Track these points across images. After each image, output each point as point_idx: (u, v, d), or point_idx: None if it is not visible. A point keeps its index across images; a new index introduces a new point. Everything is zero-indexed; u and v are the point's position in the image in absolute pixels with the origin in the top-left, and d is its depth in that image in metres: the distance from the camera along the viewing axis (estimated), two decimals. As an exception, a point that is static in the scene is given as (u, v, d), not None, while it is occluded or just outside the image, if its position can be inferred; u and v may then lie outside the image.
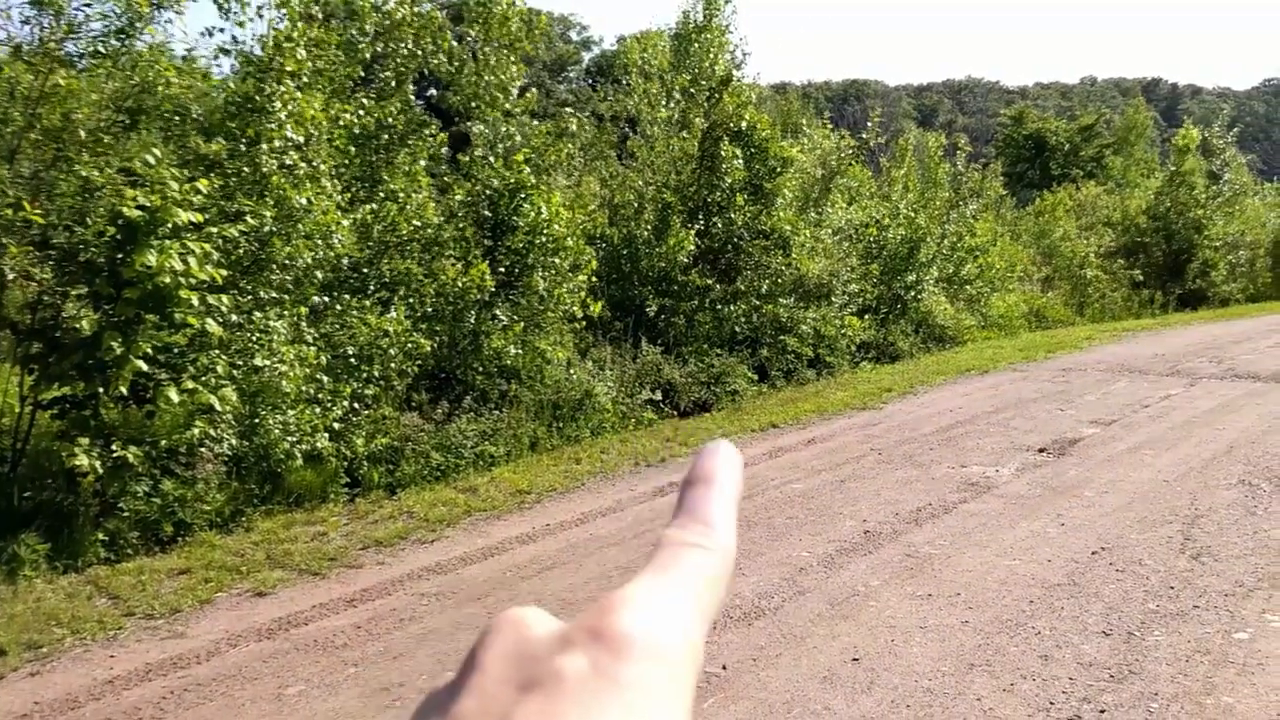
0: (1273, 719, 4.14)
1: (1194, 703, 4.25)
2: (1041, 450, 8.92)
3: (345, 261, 8.80)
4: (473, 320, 9.57)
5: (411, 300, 9.26)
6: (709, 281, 12.62)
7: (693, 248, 12.33)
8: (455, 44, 9.91)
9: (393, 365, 8.62)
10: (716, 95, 12.87)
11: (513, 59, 10.06)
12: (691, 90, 13.03)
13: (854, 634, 5.03)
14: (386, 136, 9.11)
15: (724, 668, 4.69)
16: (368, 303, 8.80)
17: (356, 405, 8.44)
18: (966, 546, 6.34)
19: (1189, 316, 21.77)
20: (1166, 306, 22.89)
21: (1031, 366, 14.32)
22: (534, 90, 10.54)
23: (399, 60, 9.13)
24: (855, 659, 4.71)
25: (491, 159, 10.04)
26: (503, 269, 9.95)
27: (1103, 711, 4.18)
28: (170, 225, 6.58)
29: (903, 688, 4.40)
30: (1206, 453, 8.63)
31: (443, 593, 5.89)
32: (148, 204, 6.54)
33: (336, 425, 8.10)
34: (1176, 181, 24.40)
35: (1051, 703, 4.26)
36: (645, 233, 12.41)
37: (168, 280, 6.55)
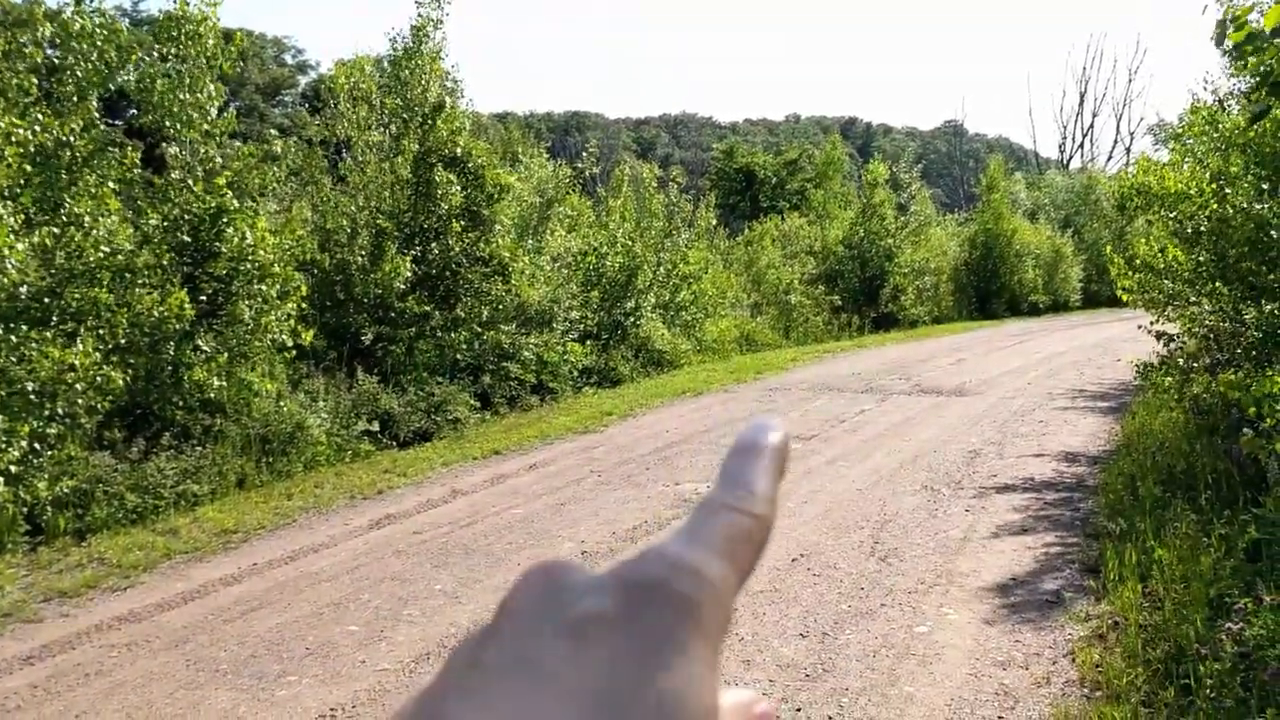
0: (949, 703, 4.50)
1: (880, 695, 4.56)
2: (749, 466, 9.33)
3: (24, 290, 8.09)
4: (172, 352, 9.02)
5: (102, 331, 8.61)
6: (428, 308, 12.48)
7: (409, 274, 12.16)
8: (145, 59, 9.35)
9: (80, 401, 7.98)
10: (429, 121, 12.78)
11: (210, 78, 9.59)
12: (404, 116, 12.88)
13: (568, 654, 5.06)
14: (69, 155, 8.46)
15: (437, 698, 4.62)
16: (49, 334, 8.11)
17: (37, 446, 7.75)
18: (678, 561, 6.54)
19: (882, 338, 23.46)
20: (862, 329, 24.58)
21: (741, 387, 15.00)
22: (232, 110, 10.09)
23: (80, 74, 8.51)
24: (569, 678, 4.75)
25: (191, 182, 9.52)
26: (205, 297, 9.44)
27: (799, 710, 4.41)
28: None
29: (614, 703, 4.48)
30: (894, 462, 9.32)
31: (135, 642, 5.49)
32: None
33: (13, 468, 7.40)
34: (869, 213, 26.34)
35: (753, 705, 4.45)
36: (359, 259, 12.13)
37: None
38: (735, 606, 0.34)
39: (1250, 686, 4.05)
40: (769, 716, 0.37)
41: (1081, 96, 60.83)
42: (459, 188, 12.69)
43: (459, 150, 12.81)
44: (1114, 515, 6.91)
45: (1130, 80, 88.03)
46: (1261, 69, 4.37)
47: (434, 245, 12.83)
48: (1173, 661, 4.53)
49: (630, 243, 17.24)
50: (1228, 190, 8.07)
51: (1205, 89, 10.09)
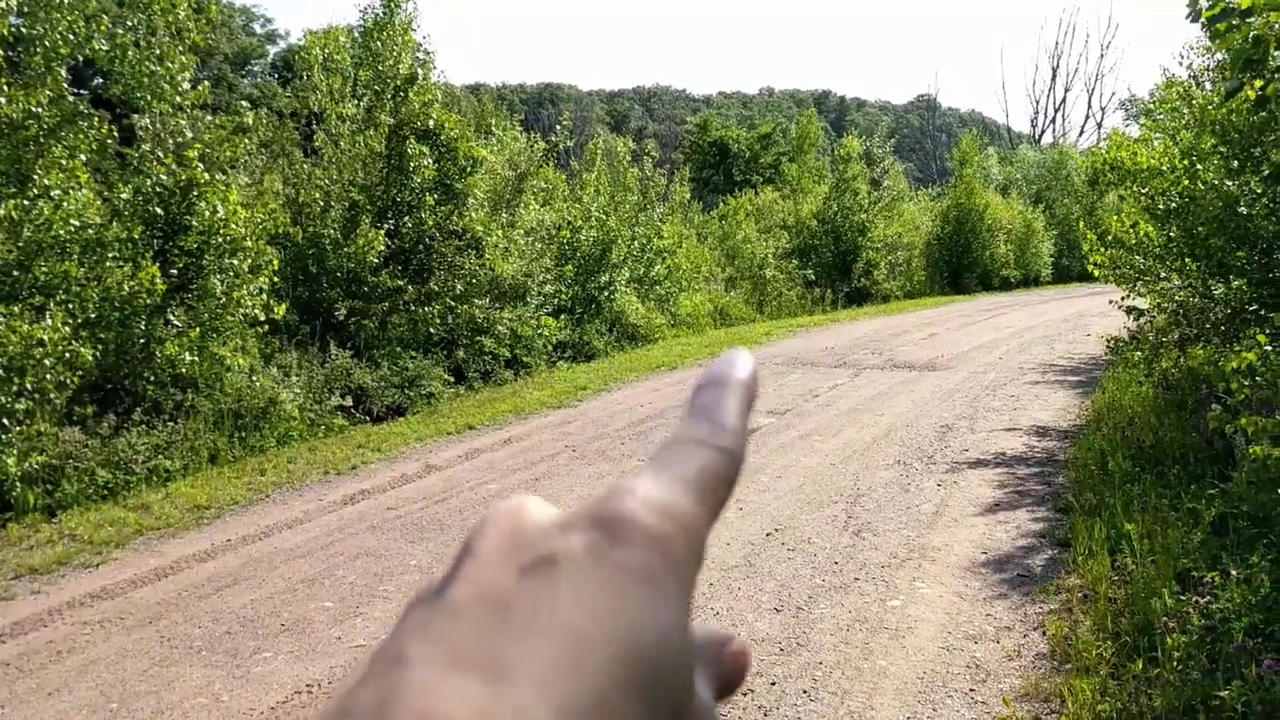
0: (921, 676, 4.55)
1: (854, 668, 4.61)
2: (724, 441, 9.36)
3: (-9, 264, 7.99)
4: (143, 326, 8.94)
5: (71, 305, 8.52)
6: (401, 282, 12.41)
7: (383, 248, 12.08)
8: (117, 30, 9.20)
9: (49, 377, 7.90)
10: (402, 93, 12.67)
11: (181, 48, 9.45)
12: (377, 88, 12.76)
13: (544, 629, 5.09)
14: (36, 127, 8.33)
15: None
16: (17, 308, 8.02)
17: (6, 421, 7.68)
18: (653, 536, 6.56)
19: (855, 312, 23.55)
20: (836, 303, 24.66)
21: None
22: (206, 83, 9.96)
23: (48, 45, 8.36)
24: (545, 653, 4.78)
25: (161, 154, 9.41)
26: (176, 271, 9.35)
27: (774, 683, 4.45)
28: None
29: (590, 677, 4.50)
30: (868, 436, 9.38)
31: (108, 619, 5.46)
32: None
33: (-18, 444, 7.33)
34: (842, 188, 26.37)
35: (728, 679, 4.48)
36: (332, 232, 12.03)
37: None
38: (707, 544, 0.33)
39: (1216, 659, 4.11)
40: (741, 656, 0.36)
41: (1054, 71, 61.17)
42: (431, 161, 12.60)
43: (431, 123, 12.71)
44: (1084, 490, 6.99)
45: (1102, 55, 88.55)
46: (1236, 45, 4.39)
47: (407, 219, 12.75)
48: (1140, 634, 4.60)
49: (604, 216, 17.21)
50: (1198, 167, 8.13)
51: (1180, 64, 10.14)
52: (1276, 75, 3.92)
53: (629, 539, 0.31)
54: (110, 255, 8.88)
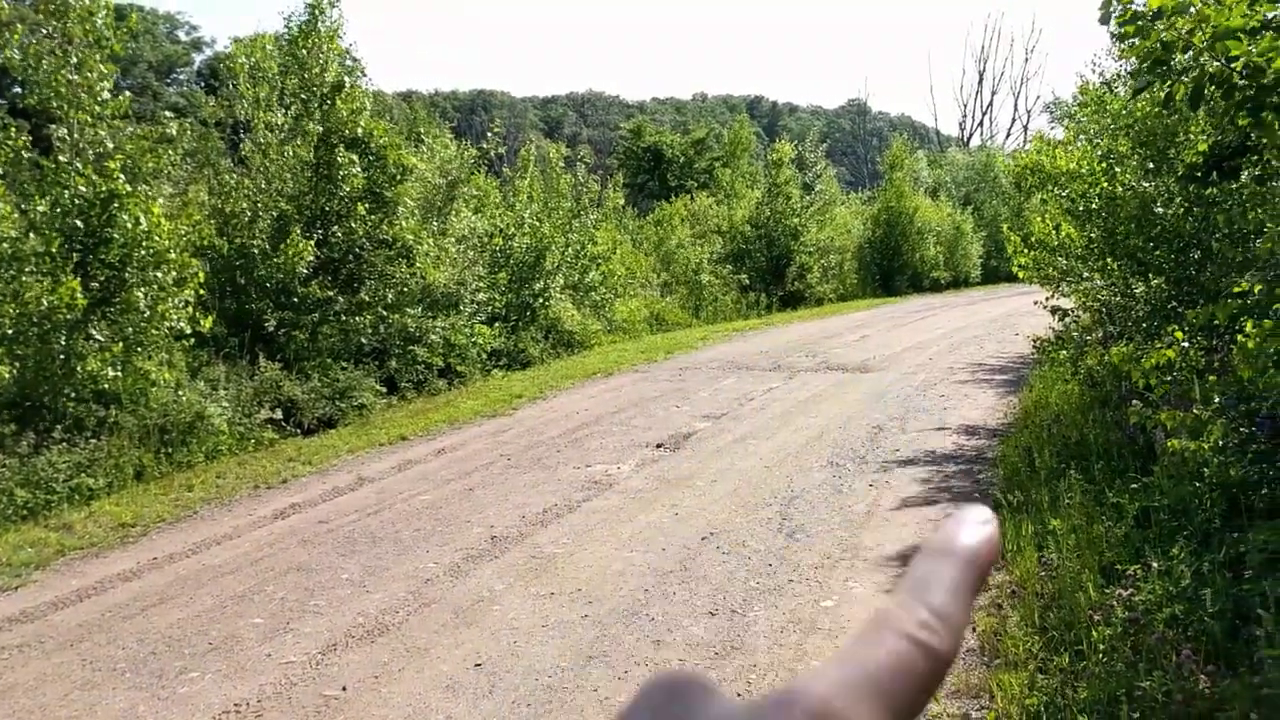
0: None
1: (787, 670, 4.63)
2: (659, 446, 9.40)
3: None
4: (63, 342, 8.72)
5: (-13, 322, 8.29)
6: (331, 293, 12.25)
7: (312, 258, 11.92)
8: (32, 39, 8.98)
9: (-36, 395, 7.68)
10: (329, 101, 12.52)
11: (100, 57, 9.25)
12: (304, 96, 12.60)
13: (477, 640, 5.05)
14: (-53, 139, 8.11)
15: (344, 689, 4.56)
16: (-70, 326, 7.79)
17: (-80, 442, 7.45)
18: (588, 543, 6.56)
19: (790, 316, 23.72)
20: (770, 307, 24.82)
21: (652, 367, 15.05)
22: (127, 93, 9.75)
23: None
24: (478, 664, 4.74)
25: (80, 165, 9.19)
26: (97, 285, 9.14)
27: (708, 687, 4.45)
28: None
29: (524, 687, 4.48)
30: (802, 439, 9.44)
31: (27, 644, 5.31)
32: None
33: (-106, 466, 7.10)
34: (775, 192, 26.55)
35: (662, 685, 4.48)
36: (260, 243, 11.85)
37: None
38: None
39: (1139, 650, 4.19)
40: None
41: (980, 75, 62.22)
42: (361, 169, 12.47)
43: (360, 131, 12.58)
44: (1012, 487, 7.09)
45: (1027, 59, 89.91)
46: (1145, 50, 4.49)
47: (336, 228, 12.60)
48: (1067, 628, 4.68)
49: (538, 223, 17.15)
50: (1117, 169, 8.31)
51: (1093, 72, 10.38)
52: (1182, 77, 4.02)
53: None
54: (27, 269, 8.65)
